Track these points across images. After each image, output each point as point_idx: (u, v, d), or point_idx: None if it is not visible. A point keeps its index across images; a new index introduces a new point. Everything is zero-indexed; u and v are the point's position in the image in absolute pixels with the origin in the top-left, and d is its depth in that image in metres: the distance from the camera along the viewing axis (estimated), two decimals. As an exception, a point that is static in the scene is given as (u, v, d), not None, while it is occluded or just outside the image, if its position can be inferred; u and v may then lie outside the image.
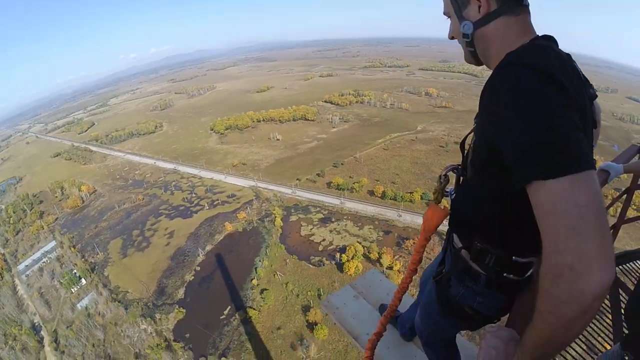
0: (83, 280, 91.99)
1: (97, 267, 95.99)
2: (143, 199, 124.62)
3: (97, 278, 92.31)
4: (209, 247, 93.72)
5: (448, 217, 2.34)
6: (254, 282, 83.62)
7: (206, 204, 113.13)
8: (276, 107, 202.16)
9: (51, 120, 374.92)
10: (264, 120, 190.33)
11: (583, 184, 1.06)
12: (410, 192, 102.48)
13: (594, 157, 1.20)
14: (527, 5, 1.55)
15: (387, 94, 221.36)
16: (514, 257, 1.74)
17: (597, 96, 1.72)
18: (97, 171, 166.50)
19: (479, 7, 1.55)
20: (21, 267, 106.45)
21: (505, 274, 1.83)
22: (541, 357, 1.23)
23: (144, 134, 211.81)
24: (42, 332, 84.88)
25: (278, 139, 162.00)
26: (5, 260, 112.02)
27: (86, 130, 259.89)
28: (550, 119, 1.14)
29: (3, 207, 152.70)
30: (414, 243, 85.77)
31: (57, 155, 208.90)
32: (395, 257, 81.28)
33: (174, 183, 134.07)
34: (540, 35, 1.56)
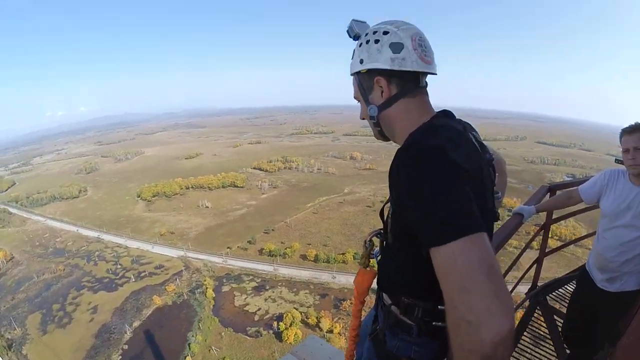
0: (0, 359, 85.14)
1: (14, 344, 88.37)
2: (64, 269, 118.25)
3: (14, 357, 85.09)
4: (136, 323, 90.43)
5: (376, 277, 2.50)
6: (188, 359, 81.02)
7: (132, 276, 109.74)
8: (205, 174, 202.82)
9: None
10: (192, 187, 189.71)
11: (471, 247, 1.20)
12: (343, 253, 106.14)
13: (501, 207, 1.68)
14: (425, 87, 1.86)
15: (314, 159, 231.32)
16: (439, 307, 1.86)
17: (493, 159, 1.94)
18: (15, 236, 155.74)
19: (382, 92, 1.82)
20: None
21: (434, 323, 1.97)
22: None
23: (67, 198, 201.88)
24: None
25: (207, 207, 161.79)
26: None
27: (6, 190, 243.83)
28: (441, 193, 1.32)
29: None
30: (351, 304, 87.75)
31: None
32: (335, 320, 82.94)
33: (97, 253, 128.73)
34: (439, 111, 1.86)
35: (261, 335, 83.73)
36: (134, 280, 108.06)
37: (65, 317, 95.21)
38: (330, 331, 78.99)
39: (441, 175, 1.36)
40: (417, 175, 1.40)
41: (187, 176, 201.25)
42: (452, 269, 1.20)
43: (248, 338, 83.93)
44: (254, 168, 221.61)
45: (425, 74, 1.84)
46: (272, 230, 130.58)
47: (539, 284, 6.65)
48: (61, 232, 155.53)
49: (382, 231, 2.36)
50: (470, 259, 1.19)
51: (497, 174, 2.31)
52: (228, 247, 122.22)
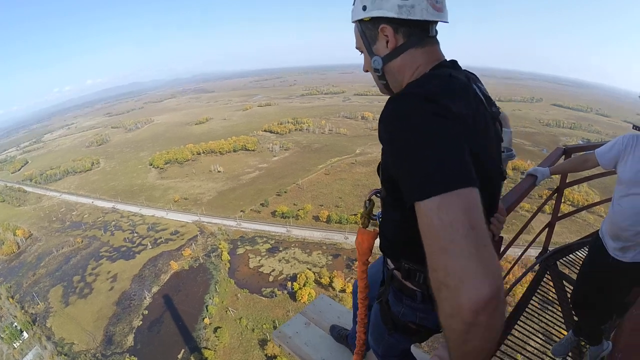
0: (25, 334, 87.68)
1: (38, 318, 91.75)
2: (82, 241, 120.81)
3: (39, 330, 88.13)
4: (155, 289, 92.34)
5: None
6: (206, 320, 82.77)
7: (149, 243, 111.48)
8: (216, 139, 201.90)
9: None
10: (204, 152, 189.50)
11: (454, 203, 1.08)
12: (355, 214, 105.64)
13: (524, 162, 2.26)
14: (434, 36, 1.66)
15: (325, 120, 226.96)
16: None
17: (499, 113, 1.84)
18: (32, 213, 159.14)
19: (387, 42, 1.63)
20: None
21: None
22: None
23: (80, 172, 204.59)
24: None
25: (219, 171, 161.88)
26: None
27: (19, 169, 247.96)
28: (426, 145, 1.19)
29: None
30: None
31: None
32: (347, 280, 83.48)
33: (113, 223, 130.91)
34: (445, 60, 1.68)
35: (276, 296, 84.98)
36: (150, 247, 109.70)
37: (85, 288, 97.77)
38: (343, 290, 79.85)
39: (428, 126, 1.25)
40: (402, 126, 1.29)
41: (198, 142, 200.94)
42: (432, 227, 1.10)
43: (263, 298, 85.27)
44: (265, 131, 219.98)
45: (436, 22, 1.65)
46: (285, 192, 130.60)
47: (550, 248, 6.52)
48: (77, 205, 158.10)
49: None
50: (451, 216, 1.07)
51: (504, 129, 2.31)
52: (241, 211, 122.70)
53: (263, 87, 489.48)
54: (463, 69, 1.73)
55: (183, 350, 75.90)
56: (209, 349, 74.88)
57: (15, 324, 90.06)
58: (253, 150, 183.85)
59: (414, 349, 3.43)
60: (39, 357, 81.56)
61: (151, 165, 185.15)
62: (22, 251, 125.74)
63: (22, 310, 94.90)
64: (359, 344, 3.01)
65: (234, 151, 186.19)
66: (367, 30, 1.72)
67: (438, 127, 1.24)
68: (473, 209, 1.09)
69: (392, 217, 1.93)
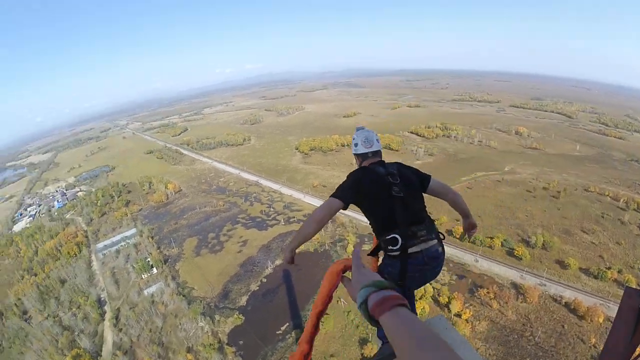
0: (154, 270, 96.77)
1: (170, 260, 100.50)
2: (223, 205, 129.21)
3: (167, 270, 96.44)
4: (278, 262, 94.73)
5: None
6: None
7: (282, 220, 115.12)
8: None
9: (148, 120, 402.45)
10: (348, 145, 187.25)
11: (330, 200, 4.28)
12: (491, 237, 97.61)
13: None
14: (376, 152, 5.09)
15: (475, 129, 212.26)
16: (385, 237, 4.15)
17: (394, 180, 4.49)
18: (184, 173, 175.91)
19: (357, 162, 5.24)
20: (100, 245, 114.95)
21: (389, 247, 4.11)
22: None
23: (232, 145, 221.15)
24: (105, 307, 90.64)
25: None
26: (86, 237, 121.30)
27: (179, 134, 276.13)
28: (344, 183, 4.48)
29: (93, 190, 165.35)
30: (487, 292, 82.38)
31: (150, 153, 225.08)
32: (466, 305, 77.56)
33: (254, 195, 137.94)
34: (375, 161, 4.97)
35: None
36: (283, 223, 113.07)
37: (217, 245, 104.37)
38: (459, 315, 73.66)
39: (349, 178, 4.56)
40: (348, 175, 4.63)
41: (344, 134, 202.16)
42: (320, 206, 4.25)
43: None
44: (411, 132, 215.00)
45: (370, 151, 5.06)
46: None
47: None
48: (224, 173, 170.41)
49: None
50: (327, 201, 4.26)
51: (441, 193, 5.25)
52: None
53: (413, 88, 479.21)
54: (380, 160, 5.04)
55: (287, 324, 76.64)
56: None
57: (149, 259, 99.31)
58: (397, 151, 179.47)
59: None
60: (160, 291, 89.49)
61: (297, 149, 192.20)
62: (169, 202, 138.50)
63: (158, 250, 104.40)
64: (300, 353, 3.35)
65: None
66: (355, 158, 5.31)
67: (350, 178, 4.51)
68: (329, 203, 4.23)
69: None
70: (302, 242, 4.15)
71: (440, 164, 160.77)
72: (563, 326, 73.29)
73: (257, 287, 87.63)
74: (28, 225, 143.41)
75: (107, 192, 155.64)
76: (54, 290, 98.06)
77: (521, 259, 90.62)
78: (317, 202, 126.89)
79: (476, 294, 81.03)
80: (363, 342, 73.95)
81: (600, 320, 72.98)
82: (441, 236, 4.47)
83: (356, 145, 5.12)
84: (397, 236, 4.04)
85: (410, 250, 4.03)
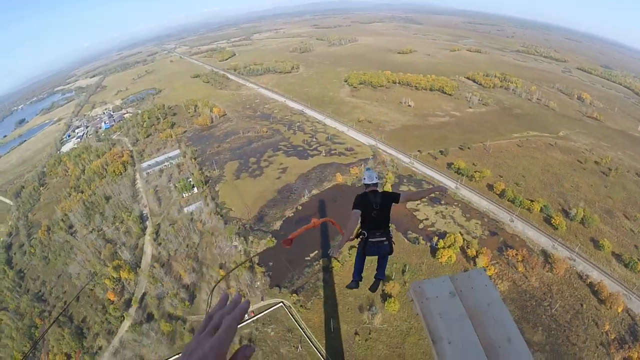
0: (195, 189, 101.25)
1: (210, 181, 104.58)
2: (267, 131, 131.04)
3: (207, 190, 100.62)
4: (315, 191, 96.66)
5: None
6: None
7: (323, 151, 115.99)
8: (415, 72, 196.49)
9: (196, 44, 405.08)
10: (399, 82, 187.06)
11: (352, 212, 7.93)
12: (531, 200, 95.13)
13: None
14: (372, 184, 8.74)
15: (536, 86, 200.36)
16: (361, 230, 8.30)
17: (377, 202, 8.28)
18: (230, 97, 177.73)
19: (364, 188, 8.84)
20: (144, 165, 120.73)
21: (361, 236, 8.31)
22: None
23: (279, 72, 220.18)
24: (147, 223, 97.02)
25: (410, 105, 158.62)
26: (131, 157, 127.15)
27: (227, 59, 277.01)
28: (355, 201, 8.09)
29: (139, 112, 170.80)
30: (516, 254, 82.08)
31: (196, 77, 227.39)
32: (492, 262, 77.96)
33: (298, 124, 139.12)
34: (371, 190, 8.54)
35: (418, 243, 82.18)
36: (324, 154, 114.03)
37: (257, 170, 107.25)
38: (483, 270, 74.75)
39: (356, 199, 8.12)
40: (356, 198, 8.20)
41: (396, 70, 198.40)
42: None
43: (405, 240, 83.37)
44: (467, 78, 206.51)
45: (370, 183, 8.75)
46: (468, 148, 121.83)
47: None
48: (270, 100, 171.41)
49: None
50: (352, 212, 7.94)
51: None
52: (418, 150, 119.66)
53: (476, 32, 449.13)
54: (375, 190, 8.58)
55: (316, 251, 79.47)
56: (338, 260, 77.15)
57: (190, 179, 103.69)
58: (450, 95, 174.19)
59: None
60: (199, 210, 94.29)
61: (346, 82, 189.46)
62: (213, 125, 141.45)
63: (200, 171, 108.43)
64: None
65: (430, 90, 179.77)
66: (363, 184, 9.02)
67: (357, 199, 8.12)
68: (353, 214, 7.93)
69: None
70: (348, 238, 7.94)
71: (493, 116, 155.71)
72: (582, 305, 73.08)
73: (292, 214, 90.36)
74: (76, 146, 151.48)
75: (153, 114, 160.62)
76: (99, 206, 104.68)
77: (557, 228, 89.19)
78: (361, 138, 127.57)
79: (504, 254, 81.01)
80: (386, 278, 76.15)
81: (619, 309, 72.39)
82: (390, 236, 8.54)
83: (364, 179, 8.89)
84: (365, 232, 8.21)
85: (369, 239, 8.19)
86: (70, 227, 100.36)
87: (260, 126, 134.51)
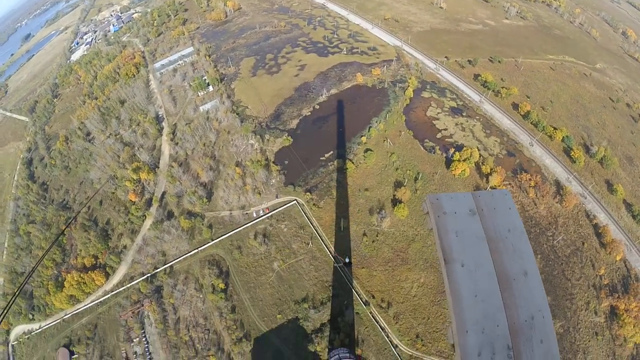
0: (210, 87, 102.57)
1: (226, 78, 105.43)
2: (285, 26, 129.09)
3: (223, 88, 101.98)
4: (334, 91, 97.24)
5: None
6: (363, 139, 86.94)
7: (345, 49, 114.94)
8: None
9: None
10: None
11: None
12: (555, 128, 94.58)
13: None
14: None
15: (580, 9, 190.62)
16: None
17: None
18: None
19: None
20: (157, 65, 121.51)
21: None
22: None
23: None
24: (163, 124, 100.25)
25: (441, 7, 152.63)
26: (143, 58, 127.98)
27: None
28: None
29: (149, 10, 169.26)
30: (530, 179, 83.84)
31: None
32: (505, 182, 79.69)
33: (319, 19, 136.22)
34: None
35: (434, 153, 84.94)
36: (345, 53, 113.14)
37: (274, 67, 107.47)
38: (493, 188, 76.01)
39: None
40: None
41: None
42: None
43: (421, 148, 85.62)
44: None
45: None
46: (498, 61, 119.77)
47: None
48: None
49: None
50: None
51: None
52: (445, 57, 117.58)
53: None
54: None
55: (331, 152, 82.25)
56: (352, 162, 79.81)
57: (205, 77, 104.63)
58: (486, 1, 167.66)
59: None
60: (215, 108, 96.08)
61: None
62: (228, 20, 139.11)
63: (214, 69, 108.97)
64: None
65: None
66: None
67: None
68: None
69: None
70: None
71: (530, 32, 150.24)
72: (583, 243, 75.59)
73: (309, 113, 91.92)
74: (85, 53, 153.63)
75: (164, 11, 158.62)
76: (114, 110, 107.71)
77: (575, 162, 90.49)
78: (385, 37, 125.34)
79: (518, 176, 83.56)
80: (398, 185, 78.93)
81: (618, 257, 75.07)
82: None
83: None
84: None
85: None
86: (88, 134, 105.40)
87: (278, 20, 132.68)
